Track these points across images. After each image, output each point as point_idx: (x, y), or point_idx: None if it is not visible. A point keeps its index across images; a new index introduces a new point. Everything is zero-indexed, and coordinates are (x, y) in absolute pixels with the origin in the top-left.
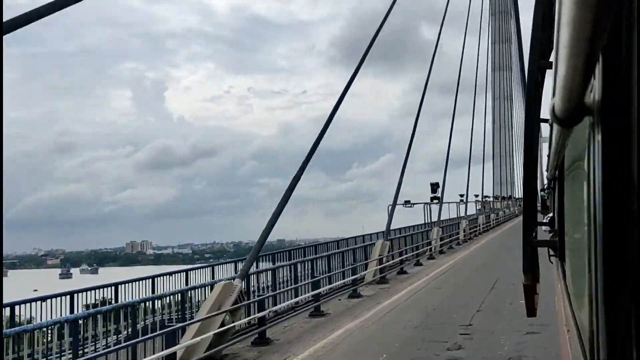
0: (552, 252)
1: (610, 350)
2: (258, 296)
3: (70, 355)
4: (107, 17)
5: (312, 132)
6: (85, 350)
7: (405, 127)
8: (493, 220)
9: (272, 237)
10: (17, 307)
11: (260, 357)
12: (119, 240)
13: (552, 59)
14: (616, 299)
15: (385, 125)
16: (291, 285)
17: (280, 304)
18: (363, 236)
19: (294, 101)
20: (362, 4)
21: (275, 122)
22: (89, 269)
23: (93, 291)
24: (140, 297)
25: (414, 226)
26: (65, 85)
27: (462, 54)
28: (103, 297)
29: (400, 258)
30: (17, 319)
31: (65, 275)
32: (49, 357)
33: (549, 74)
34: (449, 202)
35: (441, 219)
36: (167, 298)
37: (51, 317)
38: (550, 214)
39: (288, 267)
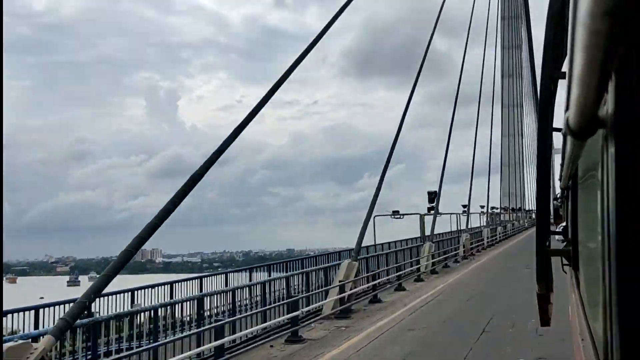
0: (565, 262)
1: (625, 359)
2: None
3: None
4: (123, 27)
5: (322, 142)
6: None
7: (416, 138)
8: (500, 234)
9: (282, 247)
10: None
11: None
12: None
13: (565, 68)
14: (631, 309)
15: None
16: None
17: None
18: (339, 252)
19: (305, 111)
20: (373, 17)
21: (287, 131)
22: (97, 276)
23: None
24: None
25: (402, 240)
26: (81, 94)
27: (463, 62)
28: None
29: (372, 283)
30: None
31: (73, 282)
32: None
33: (562, 84)
34: (451, 213)
35: (439, 232)
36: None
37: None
38: (563, 224)
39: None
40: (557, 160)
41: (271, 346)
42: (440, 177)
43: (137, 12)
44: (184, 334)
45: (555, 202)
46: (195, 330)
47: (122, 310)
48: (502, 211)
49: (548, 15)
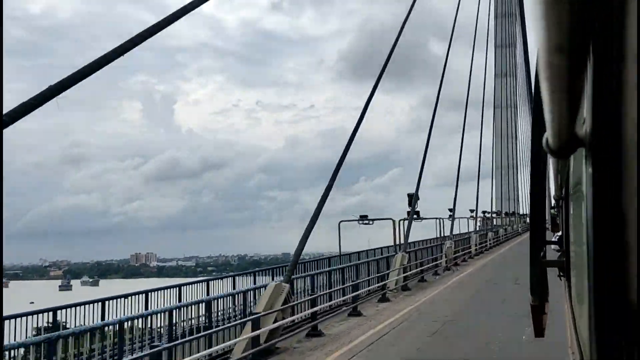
0: (560, 273)
1: None
2: None
3: None
4: (119, 30)
5: (318, 146)
6: None
7: (413, 142)
8: (491, 240)
9: (278, 250)
10: None
11: None
12: (125, 251)
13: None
14: (604, 324)
15: (393, 140)
16: None
17: None
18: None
19: (302, 115)
20: (370, 20)
21: (283, 135)
22: (90, 281)
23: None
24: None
25: (373, 250)
26: (77, 97)
27: (445, 63)
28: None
29: (312, 310)
30: None
31: (65, 287)
32: None
33: None
34: (436, 218)
35: (422, 239)
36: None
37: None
38: (559, 233)
39: None
40: (552, 164)
41: None
42: (417, 179)
43: (133, 15)
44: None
45: (552, 210)
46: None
47: (92, 323)
48: (494, 215)
49: None
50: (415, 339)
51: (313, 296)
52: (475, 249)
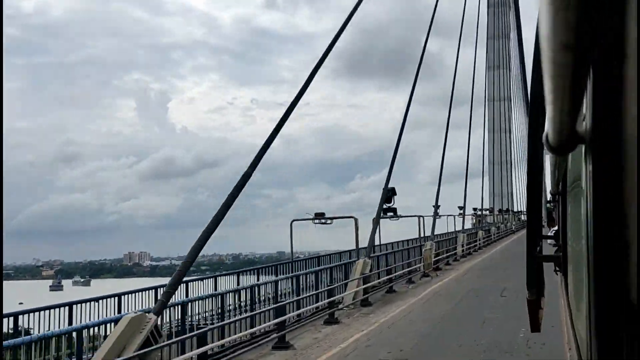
0: (556, 268)
1: None
2: None
3: None
4: (113, 28)
5: (314, 144)
6: None
7: (408, 139)
8: (481, 239)
9: (272, 249)
10: None
11: None
12: (119, 251)
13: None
14: (604, 317)
15: (388, 137)
16: None
17: None
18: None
19: (297, 112)
20: (365, 18)
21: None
22: (82, 280)
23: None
24: None
25: (334, 254)
26: (70, 95)
27: (422, 55)
28: None
29: (198, 350)
30: None
31: (56, 287)
32: None
33: None
34: (418, 216)
35: (399, 239)
36: None
37: None
38: (555, 228)
39: None
40: (548, 159)
41: None
42: (388, 173)
43: (127, 12)
44: None
45: (548, 205)
46: None
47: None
48: (486, 212)
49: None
50: None
51: (202, 331)
52: (463, 250)
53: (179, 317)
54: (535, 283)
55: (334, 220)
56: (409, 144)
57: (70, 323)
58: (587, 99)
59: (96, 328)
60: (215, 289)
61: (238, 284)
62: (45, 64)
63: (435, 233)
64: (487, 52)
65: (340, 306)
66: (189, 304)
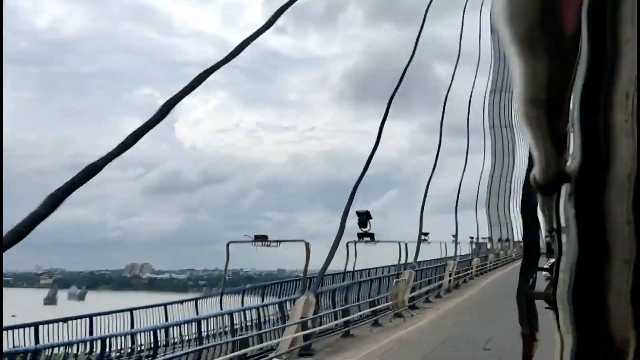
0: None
1: None
2: None
3: None
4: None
5: (318, 169)
6: None
7: (411, 165)
8: (475, 268)
9: (273, 267)
10: None
11: None
12: (121, 262)
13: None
14: (585, 356)
15: (393, 162)
16: None
17: None
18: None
19: (303, 136)
20: (374, 44)
21: (285, 155)
22: (77, 293)
23: None
24: None
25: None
26: (81, 108)
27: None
28: None
29: None
30: None
31: (50, 301)
32: None
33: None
34: (399, 242)
35: (382, 264)
36: None
37: None
38: (552, 260)
39: None
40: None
41: None
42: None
43: (140, 33)
44: None
45: (546, 238)
46: None
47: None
48: (482, 241)
49: None
50: None
51: None
52: (450, 282)
53: None
54: (527, 319)
55: (280, 243)
56: (412, 169)
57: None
58: (575, 141)
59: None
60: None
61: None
62: (59, 73)
63: (424, 259)
64: (489, 75)
65: (272, 355)
66: None
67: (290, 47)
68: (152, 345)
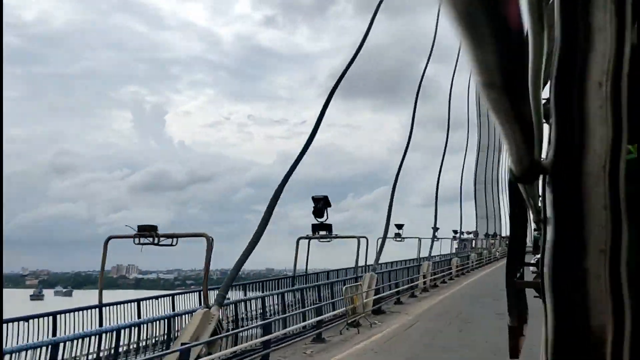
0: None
1: None
2: None
3: None
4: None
5: (309, 162)
6: None
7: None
8: (456, 268)
9: (262, 266)
10: None
11: None
12: (108, 262)
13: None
14: (564, 339)
15: (382, 158)
16: None
17: None
18: None
19: (293, 131)
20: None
21: (274, 151)
22: (63, 291)
23: None
24: None
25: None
26: (68, 106)
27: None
28: None
29: None
30: None
31: (37, 297)
32: None
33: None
34: (362, 237)
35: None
36: None
37: None
38: (538, 256)
39: None
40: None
41: None
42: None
43: (127, 26)
44: None
45: (535, 233)
46: None
47: None
48: (465, 235)
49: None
50: None
51: None
52: (426, 282)
53: None
54: (515, 310)
55: (176, 238)
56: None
57: None
58: (552, 131)
59: None
60: None
61: None
62: (44, 74)
63: (401, 259)
64: None
65: None
66: None
67: (280, 41)
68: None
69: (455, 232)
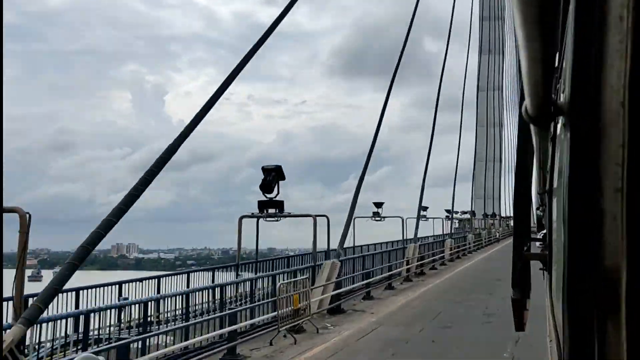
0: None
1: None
2: None
3: None
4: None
5: (309, 142)
6: None
7: (403, 140)
8: (451, 250)
9: (263, 245)
10: None
11: None
12: (108, 241)
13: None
14: (576, 307)
15: (383, 138)
16: None
17: None
18: None
19: (294, 110)
20: (365, 17)
21: (275, 130)
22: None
23: None
24: None
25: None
26: (67, 84)
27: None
28: None
29: None
30: None
31: (35, 277)
32: None
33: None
34: (321, 215)
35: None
36: None
37: None
38: (544, 231)
39: None
40: (536, 156)
41: None
42: None
43: (126, 4)
44: None
45: (538, 211)
46: None
47: None
48: (459, 215)
49: None
50: None
51: None
52: (409, 271)
53: None
54: (520, 282)
55: None
56: (404, 145)
57: None
58: (567, 70)
59: None
60: None
61: None
62: (43, 51)
63: (390, 239)
64: (480, 35)
65: None
66: None
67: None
68: None
69: (448, 211)
